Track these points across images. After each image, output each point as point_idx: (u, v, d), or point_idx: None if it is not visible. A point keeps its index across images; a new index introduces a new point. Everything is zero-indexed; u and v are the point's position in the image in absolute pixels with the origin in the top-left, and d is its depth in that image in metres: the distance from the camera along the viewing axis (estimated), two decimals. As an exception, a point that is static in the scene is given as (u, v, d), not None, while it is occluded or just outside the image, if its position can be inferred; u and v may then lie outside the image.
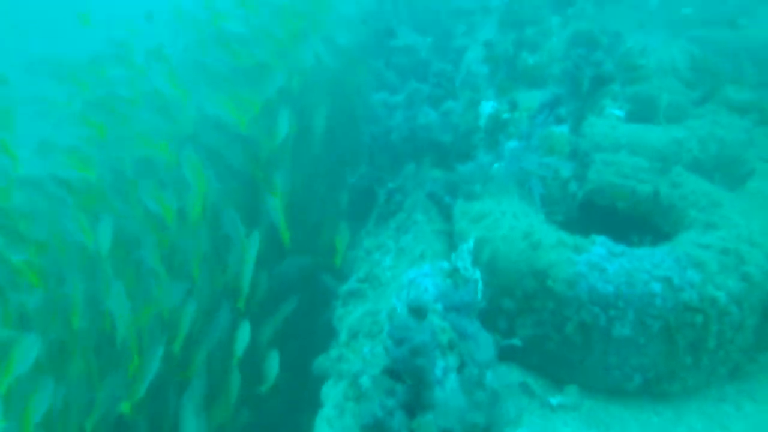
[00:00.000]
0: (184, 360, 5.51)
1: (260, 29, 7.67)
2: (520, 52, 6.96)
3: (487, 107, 6.05)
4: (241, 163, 6.50)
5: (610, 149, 5.51)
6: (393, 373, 3.41)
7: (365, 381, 4.06)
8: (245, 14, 8.14)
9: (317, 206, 7.39)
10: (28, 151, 6.18)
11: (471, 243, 4.31)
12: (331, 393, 4.34)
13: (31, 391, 4.64)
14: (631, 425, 3.74)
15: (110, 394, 5.05)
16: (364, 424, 3.22)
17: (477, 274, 4.00)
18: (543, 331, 4.04)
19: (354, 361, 4.40)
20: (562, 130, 5.54)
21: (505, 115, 5.67)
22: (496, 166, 5.24)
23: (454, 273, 4.25)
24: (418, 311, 3.64)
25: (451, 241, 5.18)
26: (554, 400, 3.89)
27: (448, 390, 3.31)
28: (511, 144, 5.25)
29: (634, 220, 4.98)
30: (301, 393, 6.40)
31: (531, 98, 5.87)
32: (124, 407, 4.93)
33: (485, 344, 3.49)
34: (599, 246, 4.04)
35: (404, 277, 4.31)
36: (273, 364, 5.51)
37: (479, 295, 3.94)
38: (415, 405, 3.22)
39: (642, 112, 6.22)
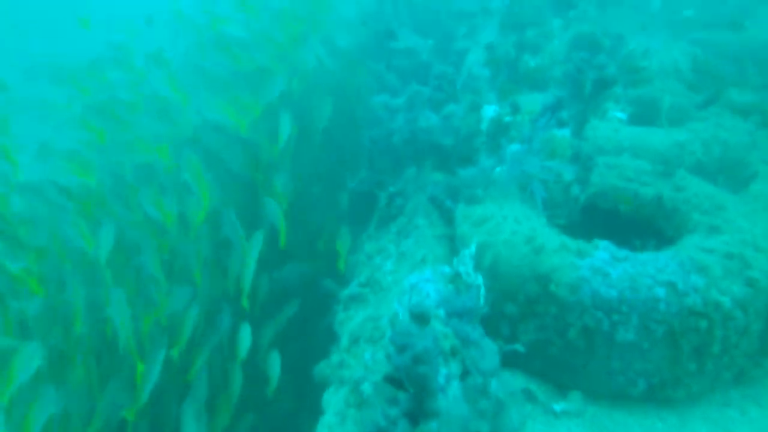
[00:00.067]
0: (185, 365, 5.48)
1: (260, 32, 7.65)
2: (521, 55, 6.93)
3: (489, 111, 6.03)
4: (242, 166, 6.47)
5: (612, 152, 5.48)
6: (395, 380, 3.38)
7: (367, 388, 4.03)
8: (245, 18, 8.12)
9: (318, 210, 7.36)
10: (27, 155, 6.16)
11: (473, 248, 4.28)
12: (333, 400, 4.31)
13: (32, 400, 4.62)
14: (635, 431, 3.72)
15: (112, 401, 5.03)
16: (366, 433, 3.19)
17: (479, 280, 3.97)
18: (546, 336, 4.01)
19: (355, 367, 4.38)
20: (564, 133, 5.51)
21: (507, 119, 5.64)
22: (497, 169, 5.22)
23: (456, 278, 4.22)
24: (420, 317, 3.61)
25: (453, 245, 5.15)
26: (558, 407, 3.86)
27: (451, 398, 3.28)
28: (513, 147, 5.23)
29: (637, 224, 4.95)
30: (301, 397, 6.39)
31: (533, 101, 5.84)
32: (129, 414, 4.90)
33: (489, 352, 3.46)
34: (602, 250, 4.01)
35: (406, 282, 4.28)
36: (275, 366, 5.49)
37: (482, 301, 3.91)
38: (418, 413, 3.19)
39: (644, 114, 6.20)
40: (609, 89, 5.48)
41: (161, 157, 6.13)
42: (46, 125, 7.26)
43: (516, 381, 4.02)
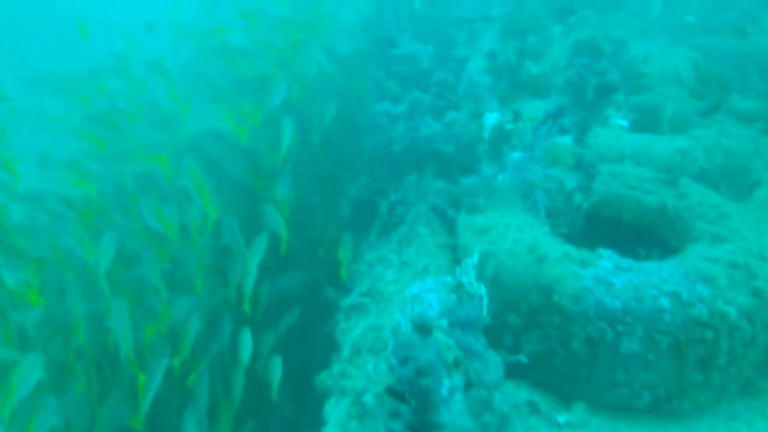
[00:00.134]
0: (187, 373, 5.45)
1: (260, 39, 7.63)
2: (522, 62, 6.90)
3: (491, 118, 6.00)
4: (243, 174, 6.45)
5: (614, 160, 5.45)
6: (396, 392, 3.35)
7: (369, 399, 3.99)
8: (245, 24, 8.11)
9: (318, 217, 7.33)
10: (27, 165, 6.14)
11: (475, 257, 4.25)
12: (334, 411, 4.27)
13: (33, 411, 4.58)
14: (640, 444, 3.68)
15: (113, 411, 4.99)
16: (369, 447, 3.16)
17: (482, 290, 3.94)
18: (549, 347, 3.97)
19: (357, 377, 4.34)
20: (566, 140, 5.48)
21: (509, 126, 5.61)
22: (499, 177, 5.19)
23: (458, 288, 4.19)
24: (422, 327, 3.58)
25: (455, 254, 5.12)
26: (561, 418, 3.82)
27: (454, 411, 3.24)
28: (515, 155, 5.20)
29: (640, 232, 4.92)
30: (301, 405, 6.35)
31: (534, 108, 5.81)
32: (136, 423, 4.85)
33: (493, 364, 3.43)
34: (606, 260, 3.98)
35: (408, 292, 4.25)
36: (276, 371, 5.45)
37: (484, 311, 3.88)
38: (421, 426, 3.16)
39: (646, 121, 6.17)
40: (611, 96, 5.46)
41: (161, 165, 6.11)
42: (46, 135, 7.24)
43: (519, 392, 3.98)
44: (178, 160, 6.11)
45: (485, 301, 3.87)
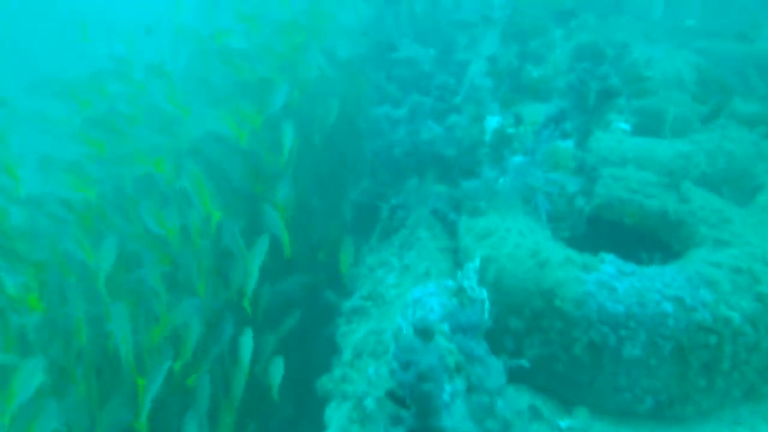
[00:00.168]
0: (187, 375, 5.43)
1: (261, 43, 7.63)
2: (524, 65, 6.90)
3: (492, 122, 5.99)
4: (244, 177, 6.44)
5: (616, 164, 5.44)
6: (396, 397, 3.33)
7: (370, 403, 3.98)
8: (246, 28, 8.10)
9: (319, 220, 7.31)
10: (27, 169, 6.13)
11: (477, 261, 4.23)
12: (335, 415, 4.25)
13: (33, 415, 4.56)
14: (643, 449, 3.66)
15: (113, 415, 4.97)
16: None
17: (484, 294, 3.92)
18: (551, 352, 3.95)
19: (358, 381, 4.32)
20: (567, 144, 5.47)
21: (510, 130, 5.60)
22: (501, 181, 5.18)
23: (460, 292, 4.17)
24: (424, 332, 3.55)
25: (456, 258, 5.11)
26: (563, 423, 3.80)
27: (456, 416, 3.22)
28: (516, 159, 5.19)
29: (641, 236, 4.91)
30: (301, 406, 6.33)
31: (535, 112, 5.81)
32: (140, 426, 4.83)
33: (495, 369, 3.41)
34: (608, 264, 3.96)
35: (409, 296, 4.23)
36: (278, 370, 5.43)
37: (486, 315, 3.86)
38: (423, 431, 3.14)
39: (648, 125, 6.16)
40: (613, 100, 5.44)
41: (162, 169, 6.10)
42: (46, 138, 7.23)
43: (521, 397, 3.96)
44: (179, 163, 6.10)
45: (487, 305, 3.85)
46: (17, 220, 5.77)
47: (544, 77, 6.78)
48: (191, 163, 5.82)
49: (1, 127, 6.63)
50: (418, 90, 7.21)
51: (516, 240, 4.38)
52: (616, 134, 5.84)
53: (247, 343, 5.32)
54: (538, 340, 4.00)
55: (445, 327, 3.73)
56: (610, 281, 3.82)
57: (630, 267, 3.94)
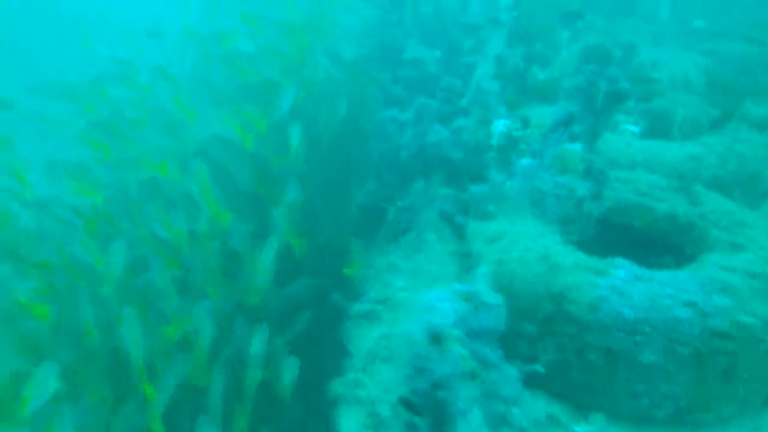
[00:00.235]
0: (200, 377, 5.41)
1: (266, 44, 7.61)
2: (530, 67, 6.87)
3: (499, 125, 5.96)
4: (250, 179, 6.42)
5: (625, 166, 5.42)
6: (410, 404, 3.32)
7: (384, 410, 3.95)
8: (250, 30, 8.07)
9: (326, 222, 7.29)
10: (35, 173, 6.11)
11: (488, 266, 4.22)
12: (347, 421, 4.23)
13: (48, 421, 4.54)
14: (659, 455, 3.65)
15: (127, 420, 4.95)
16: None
17: (499, 299, 3.90)
18: (565, 357, 3.93)
19: (371, 387, 4.29)
20: (576, 147, 5.44)
21: (517, 133, 5.59)
22: (508, 184, 5.16)
23: (472, 297, 4.15)
24: (437, 338, 3.55)
25: (464, 261, 5.08)
26: (579, 429, 3.79)
27: (472, 424, 3.21)
28: (524, 162, 5.18)
29: (651, 239, 4.89)
30: (310, 407, 6.31)
31: (542, 114, 5.78)
32: (156, 427, 4.80)
33: (510, 377, 3.39)
34: (621, 269, 3.95)
35: (421, 301, 4.21)
36: (291, 370, 5.41)
37: (501, 321, 3.84)
38: (439, 439, 3.13)
39: (657, 127, 6.13)
40: (622, 103, 5.43)
41: (168, 172, 6.08)
42: (51, 142, 7.21)
43: (537, 403, 3.94)
44: (185, 166, 6.08)
45: (503, 310, 3.83)
46: (26, 224, 5.74)
47: (550, 79, 6.76)
48: (199, 166, 5.80)
49: (8, 130, 6.61)
50: (424, 92, 7.19)
51: (526, 244, 4.37)
52: (625, 137, 5.81)
53: (260, 341, 5.29)
54: (551, 345, 3.98)
55: (459, 333, 3.71)
56: (623, 286, 3.80)
57: (643, 271, 3.92)
